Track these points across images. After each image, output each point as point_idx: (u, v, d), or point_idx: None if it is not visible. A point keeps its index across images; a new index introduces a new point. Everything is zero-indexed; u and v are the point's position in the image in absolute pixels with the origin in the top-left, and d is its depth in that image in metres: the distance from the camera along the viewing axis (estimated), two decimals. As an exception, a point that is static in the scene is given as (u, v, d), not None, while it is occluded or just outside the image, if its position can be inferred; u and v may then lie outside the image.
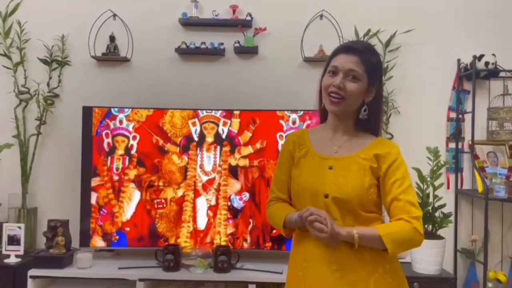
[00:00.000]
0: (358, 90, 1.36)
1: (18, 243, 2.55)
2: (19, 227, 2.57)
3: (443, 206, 2.51)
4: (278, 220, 1.44)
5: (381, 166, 1.35)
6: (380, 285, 1.31)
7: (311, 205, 1.36)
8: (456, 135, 2.83)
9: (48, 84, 2.83)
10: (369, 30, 2.78)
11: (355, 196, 1.33)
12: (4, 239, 2.56)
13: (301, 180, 1.41)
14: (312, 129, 1.54)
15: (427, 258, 2.44)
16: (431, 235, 2.49)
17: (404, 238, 1.30)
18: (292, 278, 1.43)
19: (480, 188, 2.61)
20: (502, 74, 2.74)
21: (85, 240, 2.61)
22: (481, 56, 2.67)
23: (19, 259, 2.53)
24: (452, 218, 2.58)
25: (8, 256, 2.53)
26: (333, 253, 1.32)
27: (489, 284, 2.55)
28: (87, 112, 2.64)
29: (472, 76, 2.67)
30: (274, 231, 2.59)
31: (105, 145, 2.63)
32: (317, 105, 1.50)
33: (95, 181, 2.62)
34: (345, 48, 1.40)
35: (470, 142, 2.72)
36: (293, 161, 1.46)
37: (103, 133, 2.63)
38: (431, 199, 2.51)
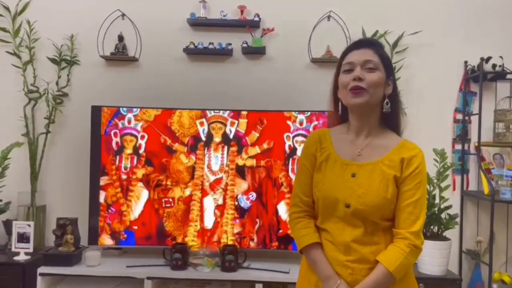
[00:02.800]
0: (379, 79, 1.34)
1: (28, 241, 2.58)
2: (29, 225, 2.60)
3: (449, 207, 2.53)
4: (298, 242, 1.43)
5: (403, 173, 1.34)
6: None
7: (332, 212, 1.36)
8: (462, 136, 2.84)
9: (57, 83, 2.85)
10: (376, 31, 2.79)
11: (376, 207, 1.32)
12: (14, 236, 2.59)
13: (322, 187, 1.39)
14: (334, 128, 1.49)
15: (433, 259, 2.46)
16: (437, 236, 2.51)
17: (409, 265, 1.33)
18: (308, 276, 1.44)
19: (486, 190, 2.62)
20: (509, 76, 2.75)
21: (93, 238, 2.63)
22: (489, 58, 2.67)
23: (28, 257, 2.56)
24: (457, 219, 2.59)
25: (17, 254, 2.56)
26: (347, 258, 1.34)
27: (494, 286, 2.56)
28: (96, 111, 2.66)
29: (479, 78, 2.68)
30: (280, 231, 2.62)
31: (114, 145, 2.65)
32: (331, 107, 1.46)
33: (103, 180, 2.64)
34: (356, 44, 1.40)
35: (476, 144, 2.73)
36: (316, 164, 1.43)
37: (112, 133, 2.65)
38: (437, 201, 2.53)
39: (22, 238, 2.58)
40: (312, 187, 1.43)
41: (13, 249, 2.58)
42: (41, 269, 2.46)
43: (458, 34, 2.85)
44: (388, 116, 1.40)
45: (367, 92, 1.33)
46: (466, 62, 2.83)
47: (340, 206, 1.34)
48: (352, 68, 1.35)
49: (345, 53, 1.40)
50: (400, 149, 1.37)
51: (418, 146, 1.40)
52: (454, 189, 2.83)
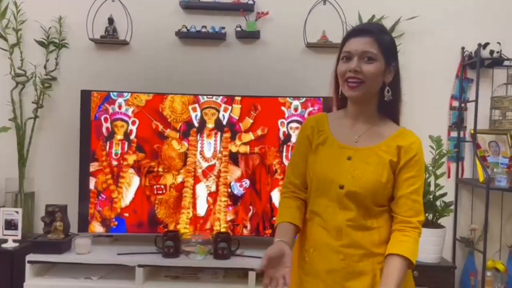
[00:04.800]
0: (376, 71, 1.31)
1: (16, 228, 2.52)
2: (17, 212, 2.54)
3: (444, 195, 2.51)
4: (280, 216, 1.42)
5: (401, 160, 1.32)
6: None
7: (324, 194, 1.34)
8: (458, 124, 2.81)
9: (45, 67, 2.77)
10: (373, 16, 2.73)
11: (370, 190, 1.30)
12: (1, 223, 2.53)
13: (316, 168, 1.37)
14: (332, 113, 1.48)
15: (427, 246, 2.44)
16: (432, 224, 2.49)
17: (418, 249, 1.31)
18: (298, 261, 1.41)
19: (481, 177, 2.60)
20: (506, 62, 2.71)
21: (83, 226, 2.58)
22: (486, 44, 2.64)
23: (16, 244, 2.51)
24: (452, 207, 2.58)
25: (5, 241, 2.51)
26: (339, 243, 1.31)
27: (488, 273, 2.55)
28: (86, 96, 2.59)
29: (476, 64, 2.64)
30: (274, 218, 2.58)
31: (104, 130, 2.59)
32: (332, 93, 1.44)
33: (93, 166, 2.59)
34: (356, 31, 1.35)
35: (472, 131, 2.70)
36: (311, 146, 1.42)
37: (102, 118, 2.59)
38: (432, 188, 2.50)
39: (10, 225, 2.52)
40: (302, 170, 1.42)
41: (1, 236, 2.52)
42: (30, 257, 2.41)
43: (455, 19, 2.80)
44: (388, 104, 1.37)
45: (364, 84, 1.31)
46: (463, 48, 2.79)
47: (334, 187, 1.33)
48: (350, 57, 1.32)
49: (346, 39, 1.36)
50: (397, 136, 1.35)
51: (416, 135, 1.38)
52: (449, 176, 2.81)
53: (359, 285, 1.29)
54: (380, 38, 1.32)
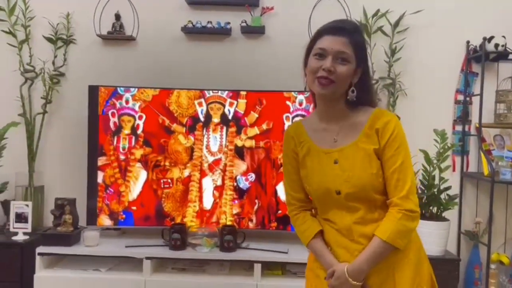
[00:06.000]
0: (348, 72, 1.30)
1: (26, 221, 2.57)
2: (27, 205, 2.59)
3: (448, 188, 2.52)
4: (301, 239, 1.44)
5: (381, 143, 1.31)
6: (401, 264, 1.32)
7: (327, 203, 1.37)
8: (463, 117, 2.82)
9: (53, 63, 2.81)
10: (378, 11, 2.74)
11: (366, 185, 1.31)
12: (12, 216, 2.58)
13: (310, 182, 1.39)
14: (306, 119, 1.50)
15: (432, 239, 2.45)
16: (436, 217, 2.51)
17: (406, 231, 1.29)
18: (313, 261, 1.45)
19: (486, 171, 2.61)
20: (511, 56, 2.71)
21: (92, 219, 2.63)
22: (491, 37, 2.63)
23: (27, 237, 2.56)
24: (457, 200, 2.59)
25: (16, 234, 2.56)
26: (352, 242, 1.34)
27: (492, 266, 2.56)
28: (93, 91, 2.62)
29: (481, 58, 2.64)
30: (279, 212, 2.61)
31: (111, 125, 2.63)
32: (307, 87, 1.43)
33: (101, 160, 2.63)
34: (333, 29, 1.32)
35: (477, 125, 2.71)
36: (299, 158, 1.42)
37: (109, 113, 2.63)
38: (437, 181, 2.52)
39: (20, 218, 2.57)
40: (300, 182, 1.44)
41: (11, 229, 2.58)
42: (40, 249, 2.46)
43: (460, 13, 2.80)
44: (359, 101, 1.36)
45: (335, 84, 1.30)
46: (468, 42, 2.79)
47: (332, 195, 1.34)
48: (324, 54, 1.30)
49: (320, 35, 1.34)
50: (373, 121, 1.33)
51: (392, 113, 1.38)
52: (454, 170, 2.82)
53: (377, 277, 1.32)
54: (354, 39, 1.32)
